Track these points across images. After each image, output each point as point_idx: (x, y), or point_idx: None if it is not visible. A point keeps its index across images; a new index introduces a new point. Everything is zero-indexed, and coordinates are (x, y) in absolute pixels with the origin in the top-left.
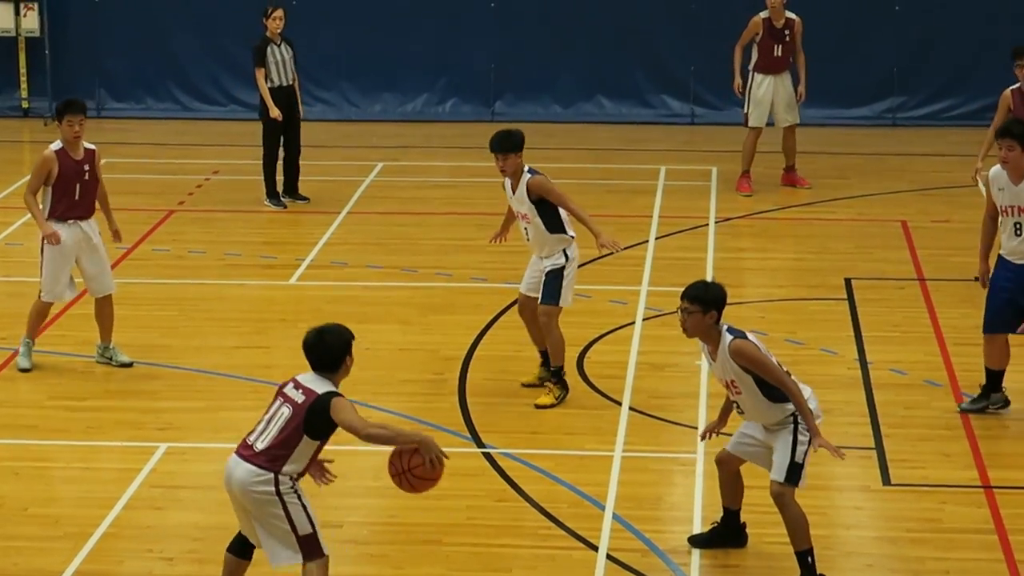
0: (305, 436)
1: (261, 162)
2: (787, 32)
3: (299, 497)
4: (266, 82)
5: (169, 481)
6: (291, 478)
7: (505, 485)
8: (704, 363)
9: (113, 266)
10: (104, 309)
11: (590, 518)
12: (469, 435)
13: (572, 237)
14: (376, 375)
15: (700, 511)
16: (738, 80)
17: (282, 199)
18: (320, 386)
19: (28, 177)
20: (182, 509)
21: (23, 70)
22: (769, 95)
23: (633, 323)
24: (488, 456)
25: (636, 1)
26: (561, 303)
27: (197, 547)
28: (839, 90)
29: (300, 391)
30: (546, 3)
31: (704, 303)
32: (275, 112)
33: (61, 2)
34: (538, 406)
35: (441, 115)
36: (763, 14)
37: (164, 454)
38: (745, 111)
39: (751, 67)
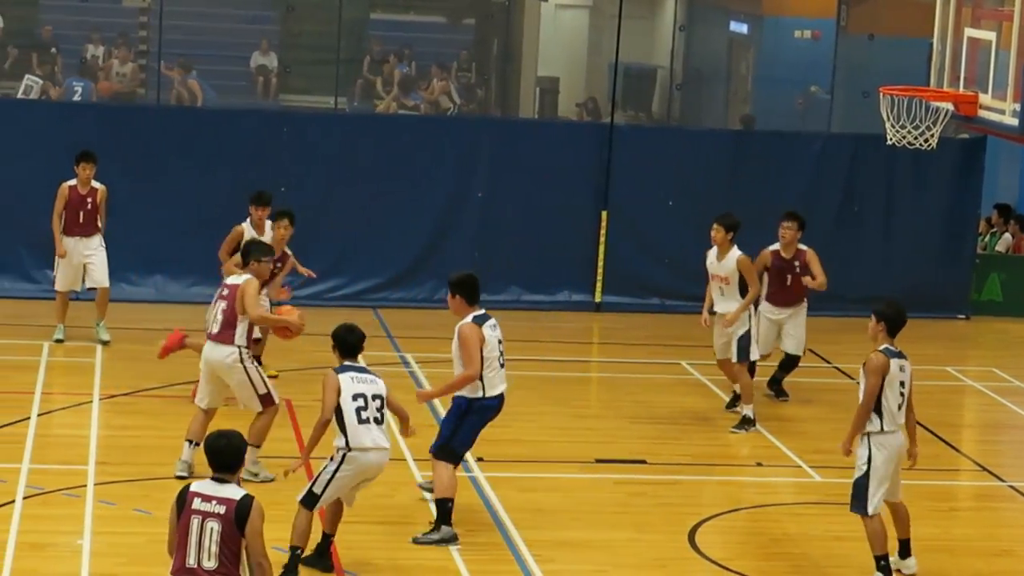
0: (242, 537)
1: None
2: None
3: None
4: None
5: None
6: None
7: None
8: (87, 544)
9: None
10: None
11: None
12: None
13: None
14: None
15: None
16: None
17: None
18: (228, 492)
19: None
20: None
21: None
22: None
23: (13, 502)
24: None
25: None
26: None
27: None
28: None
29: (214, 503)
30: None
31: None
32: None
33: None
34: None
35: None
36: None
37: None
38: None
39: None
